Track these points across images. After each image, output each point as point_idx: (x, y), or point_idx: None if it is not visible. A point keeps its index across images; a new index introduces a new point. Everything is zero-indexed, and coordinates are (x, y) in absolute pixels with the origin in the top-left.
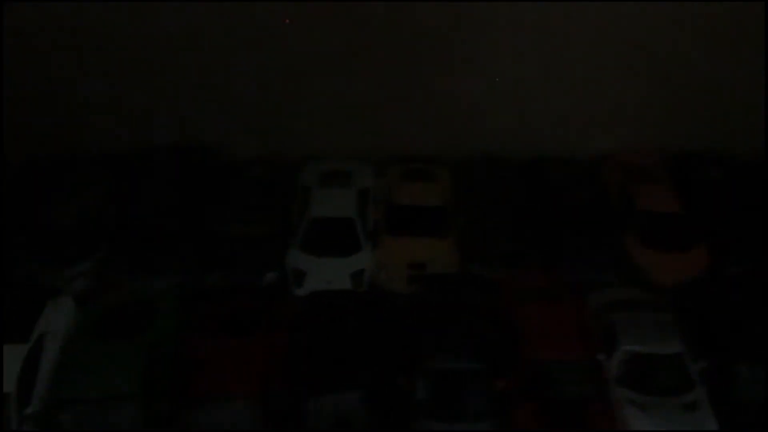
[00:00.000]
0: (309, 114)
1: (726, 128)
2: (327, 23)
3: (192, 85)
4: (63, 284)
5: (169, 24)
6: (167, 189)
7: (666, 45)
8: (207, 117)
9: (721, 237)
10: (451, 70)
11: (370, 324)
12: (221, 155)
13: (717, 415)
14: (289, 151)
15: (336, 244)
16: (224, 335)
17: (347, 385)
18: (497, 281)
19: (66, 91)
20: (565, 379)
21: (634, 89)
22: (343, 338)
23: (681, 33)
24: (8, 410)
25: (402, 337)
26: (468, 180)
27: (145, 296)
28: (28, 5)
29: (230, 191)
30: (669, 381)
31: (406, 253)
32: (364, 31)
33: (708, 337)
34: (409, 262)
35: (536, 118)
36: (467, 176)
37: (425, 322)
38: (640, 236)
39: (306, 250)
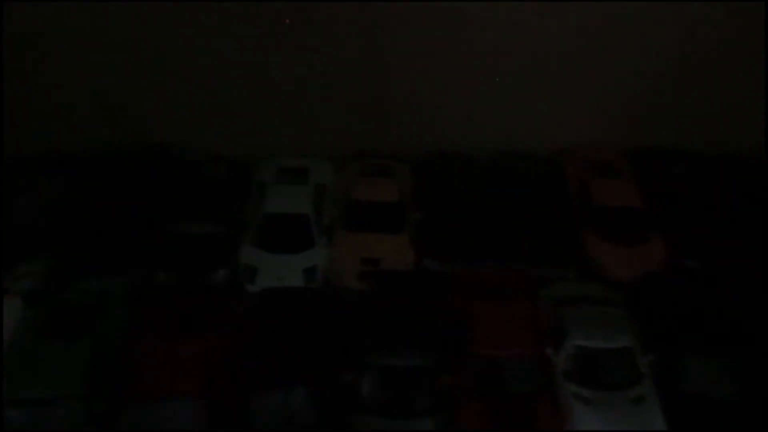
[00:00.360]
0: (269, 111)
1: (691, 124)
2: (285, 20)
3: (151, 84)
4: (11, 283)
5: (127, 22)
6: (122, 188)
7: (630, 41)
8: (168, 115)
9: (679, 231)
10: (414, 67)
11: (319, 320)
12: (180, 154)
13: (664, 407)
14: (249, 149)
15: (289, 240)
16: (172, 334)
17: (293, 382)
18: (451, 277)
19: (27, 89)
20: (511, 375)
21: (598, 85)
22: (290, 335)
23: (644, 29)
24: None
25: (350, 334)
26: (428, 176)
27: (93, 295)
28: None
29: (186, 189)
30: (617, 375)
31: (360, 249)
32: (324, 29)
33: (657, 331)
34: (362, 258)
35: (501, 114)
36: (427, 172)
37: (373, 318)
38: (596, 230)
39: (258, 246)
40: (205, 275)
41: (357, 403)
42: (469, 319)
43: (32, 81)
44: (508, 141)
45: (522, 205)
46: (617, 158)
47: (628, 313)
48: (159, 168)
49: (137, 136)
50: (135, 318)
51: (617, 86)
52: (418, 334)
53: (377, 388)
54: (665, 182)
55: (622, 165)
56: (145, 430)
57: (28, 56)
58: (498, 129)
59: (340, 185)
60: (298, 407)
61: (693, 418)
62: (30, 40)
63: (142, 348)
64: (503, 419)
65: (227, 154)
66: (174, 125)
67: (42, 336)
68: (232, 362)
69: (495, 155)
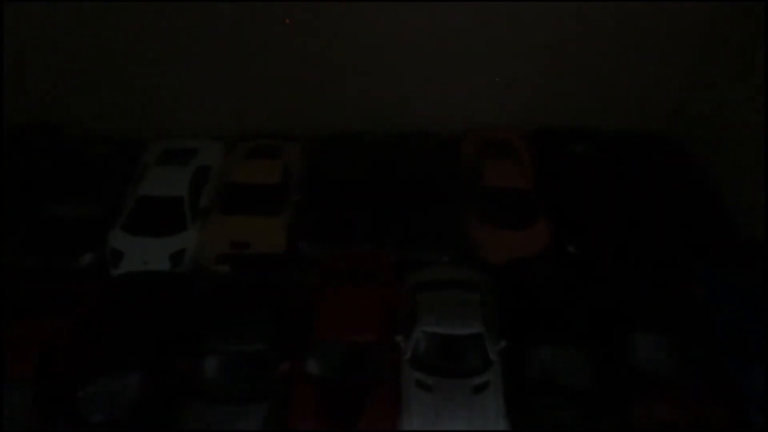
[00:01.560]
0: (168, 91)
1: (603, 104)
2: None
3: (44, 63)
4: None
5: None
6: None
7: (544, 21)
8: (61, 95)
9: (564, 215)
10: (324, 44)
11: (169, 306)
12: (68, 134)
13: (509, 396)
14: (144, 130)
15: (159, 223)
16: (13, 319)
17: (125, 368)
18: (317, 260)
19: None
20: (355, 361)
21: (510, 65)
22: (135, 320)
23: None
24: None
25: (192, 318)
26: (318, 157)
27: None
28: None
29: (65, 171)
30: (464, 362)
31: (230, 232)
32: (223, 8)
33: (511, 318)
34: (232, 241)
35: (410, 94)
36: (318, 153)
37: (218, 303)
38: (479, 212)
39: (127, 229)
40: (70, 259)
41: (191, 388)
42: (320, 303)
43: None
44: (417, 122)
45: (408, 186)
46: (516, 139)
47: (495, 300)
48: (41, 149)
49: (30, 116)
50: None
51: (529, 66)
52: (258, 320)
53: (213, 374)
54: (562, 164)
55: (520, 146)
56: None
57: None
58: (407, 110)
59: (228, 167)
60: (130, 394)
61: (536, 406)
62: None
63: None
64: (335, 405)
65: (124, 135)
66: (68, 105)
67: None
68: (71, 347)
69: (393, 136)
